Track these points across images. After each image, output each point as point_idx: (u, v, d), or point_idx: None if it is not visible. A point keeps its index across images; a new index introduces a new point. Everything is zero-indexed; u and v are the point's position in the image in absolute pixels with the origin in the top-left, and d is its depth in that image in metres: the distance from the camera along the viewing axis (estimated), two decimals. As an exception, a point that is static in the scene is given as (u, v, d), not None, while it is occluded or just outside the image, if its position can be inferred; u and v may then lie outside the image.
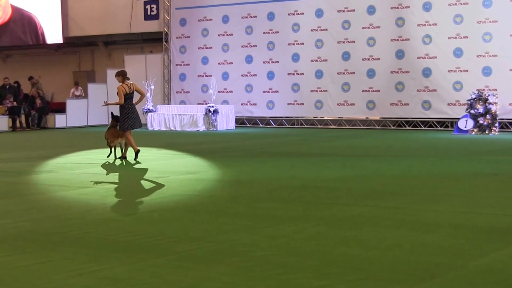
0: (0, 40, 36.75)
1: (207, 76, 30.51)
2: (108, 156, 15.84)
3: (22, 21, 35.71)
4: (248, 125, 30.18)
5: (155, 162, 15.52)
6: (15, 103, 29.37)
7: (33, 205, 9.70)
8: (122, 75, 15.79)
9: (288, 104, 29.35)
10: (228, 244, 7.12)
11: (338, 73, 28.19)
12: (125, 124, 15.67)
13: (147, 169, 14.32)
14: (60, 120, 30.47)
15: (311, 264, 6.25)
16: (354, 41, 27.81)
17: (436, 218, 8.43)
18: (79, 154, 17.14)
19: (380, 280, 5.75)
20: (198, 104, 30.22)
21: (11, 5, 35.91)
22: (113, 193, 10.99)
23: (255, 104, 30.01)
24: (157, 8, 32.41)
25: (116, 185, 12.02)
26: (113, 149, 15.89)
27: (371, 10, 27.41)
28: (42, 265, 6.25)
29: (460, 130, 24.27)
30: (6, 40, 36.58)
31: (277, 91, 29.49)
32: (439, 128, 26.55)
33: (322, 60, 28.48)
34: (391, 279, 5.77)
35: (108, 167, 14.53)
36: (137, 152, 15.63)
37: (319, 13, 28.43)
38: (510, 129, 25.33)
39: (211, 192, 10.89)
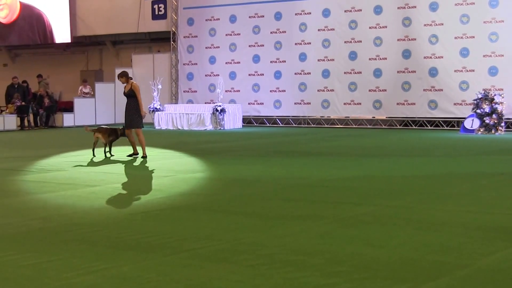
0: (9, 39, 36.89)
1: (214, 75, 30.58)
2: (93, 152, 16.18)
3: (31, 19, 35.85)
4: (255, 124, 30.22)
5: (163, 161, 15.59)
6: (23, 103, 29.50)
7: (42, 203, 9.76)
8: (126, 76, 16.16)
9: (295, 103, 29.39)
10: (235, 242, 7.16)
11: (345, 73, 28.22)
12: (139, 122, 16.21)
13: (154, 168, 14.37)
14: (68, 119, 30.66)
15: (318, 262, 6.28)
16: (361, 41, 27.83)
17: (442, 218, 8.46)
18: (87, 153, 17.17)
19: (387, 279, 5.77)
20: (205, 103, 30.27)
21: (20, 2, 36.03)
22: (120, 191, 11.04)
23: (262, 104, 30.05)
24: (165, 8, 32.52)
25: (123, 184, 12.06)
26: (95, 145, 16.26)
27: (378, 10, 27.43)
28: (50, 263, 6.29)
29: (466, 130, 24.29)
30: (14, 38, 36.73)
31: (284, 91, 29.54)
32: (445, 128, 26.57)
33: (329, 60, 28.50)
34: (398, 278, 5.79)
35: (116, 167, 14.56)
36: (135, 154, 16.13)
37: (326, 13, 28.45)
38: (516, 128, 25.37)
39: (218, 191, 10.93)
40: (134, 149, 16.15)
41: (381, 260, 6.36)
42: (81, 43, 35.99)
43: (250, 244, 7.05)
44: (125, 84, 16.21)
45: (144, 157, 15.83)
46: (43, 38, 35.84)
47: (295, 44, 29.20)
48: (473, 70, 25.81)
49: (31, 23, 35.87)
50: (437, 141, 21.21)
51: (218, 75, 29.93)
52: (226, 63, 30.75)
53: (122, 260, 6.41)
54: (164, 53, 33.13)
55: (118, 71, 31.07)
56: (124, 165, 14.86)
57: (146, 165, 14.95)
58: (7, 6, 36.46)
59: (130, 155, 16.11)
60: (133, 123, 15.99)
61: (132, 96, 15.99)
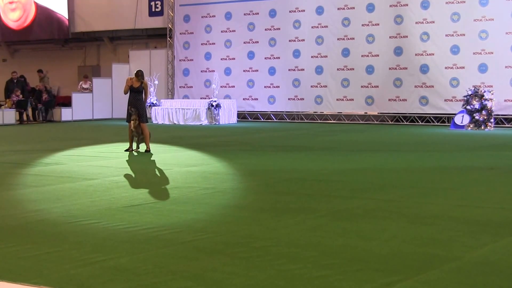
0: (30, 36, 36.97)
1: (210, 71, 30.68)
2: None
3: (50, 21, 36.01)
4: (250, 119, 30.32)
5: (159, 155, 15.64)
6: (22, 96, 29.57)
7: (40, 196, 9.79)
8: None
9: (289, 99, 29.49)
10: (229, 235, 7.23)
11: (337, 69, 28.36)
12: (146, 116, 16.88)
13: (150, 162, 14.45)
14: (66, 114, 30.75)
15: (311, 255, 6.34)
16: (353, 38, 27.98)
17: (433, 211, 8.54)
18: (86, 147, 17.23)
19: (378, 271, 5.82)
20: (201, 98, 30.37)
21: (35, 3, 36.14)
22: (117, 185, 11.08)
23: (256, 99, 30.16)
24: (162, 5, 32.65)
25: (120, 177, 12.10)
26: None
27: (370, 7, 27.58)
28: (49, 255, 6.33)
29: (457, 126, 24.47)
30: (35, 35, 36.79)
31: (278, 87, 29.64)
32: (436, 124, 26.72)
33: (322, 56, 28.63)
34: (389, 270, 5.85)
35: (113, 161, 14.59)
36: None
37: (319, 10, 28.58)
38: (505, 124, 25.58)
39: (213, 184, 10.95)
40: (131, 144, 16.39)
41: (372, 253, 6.43)
42: (79, 39, 36.10)
43: (244, 237, 7.11)
44: (132, 78, 16.58)
45: (149, 151, 16.11)
46: (62, 34, 36.05)
47: (289, 41, 29.31)
48: (464, 67, 26.01)
49: (50, 23, 36.02)
50: (428, 136, 21.34)
51: (214, 71, 30.07)
52: (221, 59, 30.83)
53: (119, 252, 6.46)
54: (160, 49, 33.27)
55: (115, 66, 31.69)
56: (121, 159, 14.91)
57: (142, 159, 15.03)
58: (21, 6, 36.47)
59: (127, 150, 16.34)
60: (143, 117, 16.42)
61: (141, 91, 16.48)
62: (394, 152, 16.36)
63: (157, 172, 12.99)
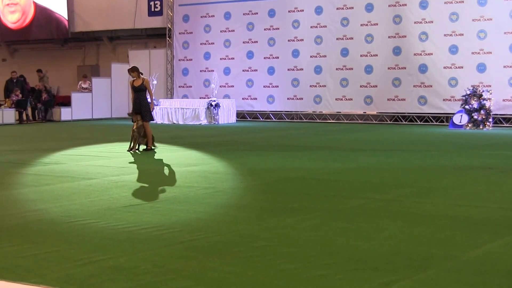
0: (29, 35, 37.02)
1: (209, 71, 30.73)
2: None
3: (48, 21, 36.06)
4: (249, 119, 30.35)
5: (158, 154, 15.66)
6: (21, 96, 29.59)
7: (39, 195, 9.78)
8: (137, 71, 16.76)
9: (288, 98, 29.53)
10: (229, 234, 7.23)
11: (336, 69, 28.41)
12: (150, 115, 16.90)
13: (150, 161, 14.46)
14: (65, 113, 30.83)
15: (310, 254, 6.35)
16: (352, 38, 28.03)
17: (431, 211, 8.56)
18: (85, 147, 17.22)
19: (377, 270, 5.83)
20: (200, 98, 30.43)
21: (34, 3, 36.18)
22: (117, 184, 11.08)
23: (255, 99, 30.20)
24: (161, 5, 32.75)
25: (119, 177, 12.11)
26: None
27: (369, 7, 27.62)
28: (48, 255, 6.33)
29: (455, 125, 24.53)
30: (34, 34, 36.85)
31: (277, 86, 29.68)
32: (435, 123, 26.75)
33: (321, 56, 28.68)
34: (388, 269, 5.85)
35: (112, 160, 14.60)
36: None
37: (318, 10, 28.62)
38: (503, 124, 25.60)
39: (213, 184, 10.94)
40: (135, 144, 16.37)
41: (371, 252, 6.44)
42: (79, 38, 36.20)
43: (243, 236, 7.13)
44: (134, 79, 16.66)
45: (150, 149, 16.25)
46: (61, 34, 36.12)
47: (288, 40, 29.35)
48: (462, 67, 26.08)
49: (49, 23, 36.07)
50: (427, 136, 21.35)
51: (213, 70, 30.14)
52: (220, 59, 30.88)
53: (118, 251, 6.46)
54: (160, 49, 33.37)
55: (114, 66, 31.70)
56: (120, 158, 14.89)
57: (142, 158, 15.02)
58: (20, 8, 36.50)
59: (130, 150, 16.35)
60: (146, 117, 16.49)
61: (143, 90, 16.57)
62: (393, 152, 16.36)
63: (156, 172, 12.99)
